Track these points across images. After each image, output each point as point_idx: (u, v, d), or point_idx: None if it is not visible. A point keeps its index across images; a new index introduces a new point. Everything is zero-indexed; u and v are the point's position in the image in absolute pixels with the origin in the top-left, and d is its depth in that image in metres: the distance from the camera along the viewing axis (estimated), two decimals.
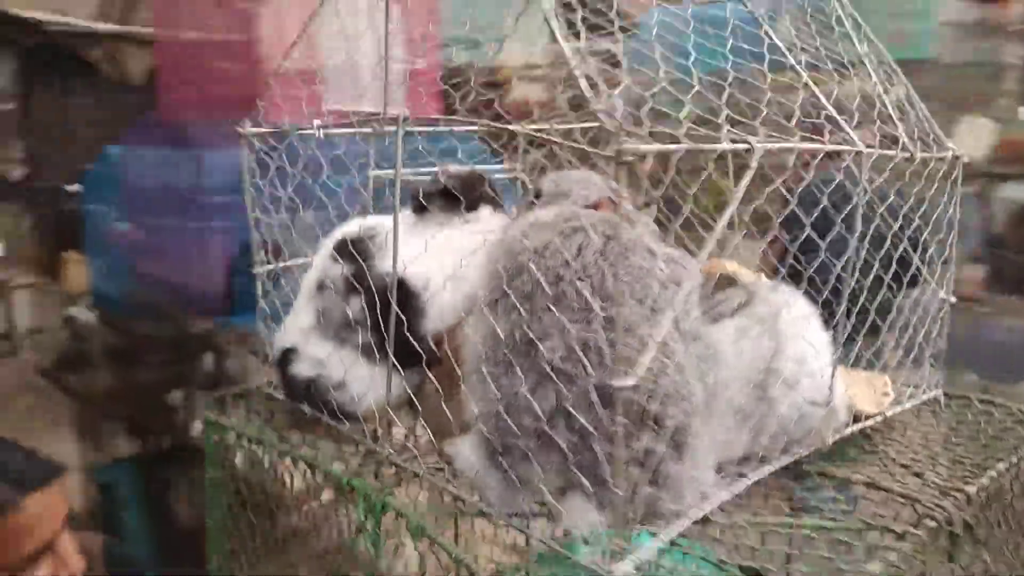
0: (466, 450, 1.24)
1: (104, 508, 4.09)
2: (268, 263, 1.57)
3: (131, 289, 4.49)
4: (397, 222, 1.29)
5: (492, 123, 1.46)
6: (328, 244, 1.46)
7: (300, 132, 1.44)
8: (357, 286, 1.38)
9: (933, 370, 1.65)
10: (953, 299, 1.62)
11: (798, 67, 1.37)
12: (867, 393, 1.51)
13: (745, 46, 1.38)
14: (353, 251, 1.41)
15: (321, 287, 1.44)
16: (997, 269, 5.13)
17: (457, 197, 1.47)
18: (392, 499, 1.21)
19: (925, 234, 1.55)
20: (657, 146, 0.99)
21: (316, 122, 1.42)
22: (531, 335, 1.14)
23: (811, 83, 1.32)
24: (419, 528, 1.14)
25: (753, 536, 1.16)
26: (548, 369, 1.12)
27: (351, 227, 1.46)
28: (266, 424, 1.49)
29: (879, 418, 1.49)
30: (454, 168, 1.53)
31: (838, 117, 1.26)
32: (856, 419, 1.46)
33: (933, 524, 1.19)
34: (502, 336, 1.18)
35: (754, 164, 1.08)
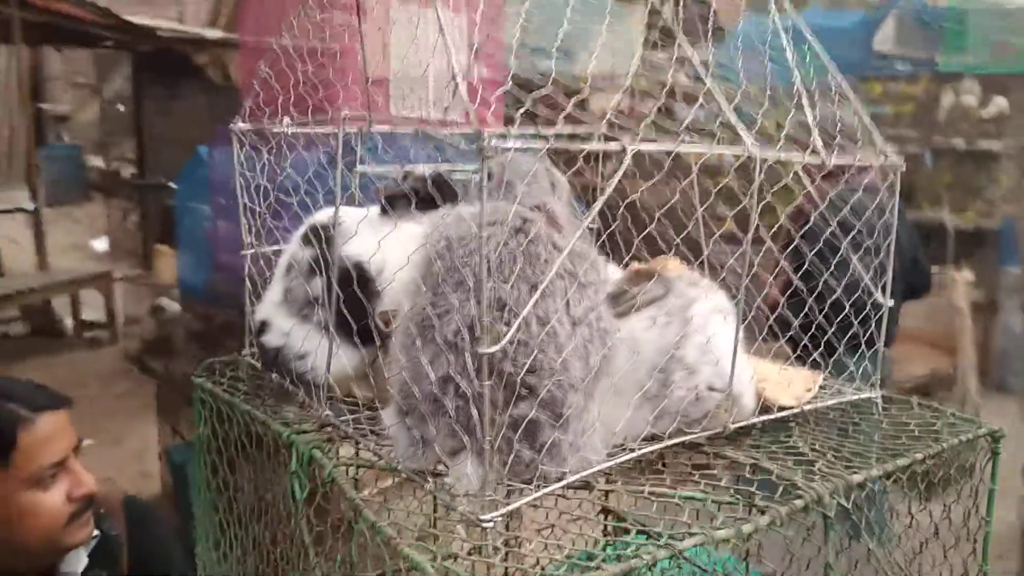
0: (388, 414, 1.42)
1: (176, 487, 4.41)
2: (253, 247, 1.78)
3: (213, 280, 4.84)
4: (337, 213, 1.48)
5: (428, 128, 1.61)
6: (298, 231, 1.66)
7: (274, 130, 1.65)
8: (316, 268, 1.57)
9: (870, 371, 1.72)
10: (890, 302, 1.68)
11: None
12: (786, 387, 1.60)
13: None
14: (317, 237, 1.60)
15: (289, 268, 1.63)
16: None
17: (415, 198, 1.64)
18: (317, 452, 1.39)
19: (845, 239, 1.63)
20: (519, 144, 1.13)
21: (285, 119, 1.62)
22: (437, 311, 1.30)
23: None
24: (330, 476, 1.31)
25: (627, 501, 1.29)
26: (443, 342, 1.28)
27: (320, 216, 1.65)
28: (240, 388, 1.69)
29: (795, 410, 1.58)
30: (419, 169, 1.70)
31: (735, 124, 1.37)
32: (767, 410, 1.55)
33: (799, 503, 1.29)
34: (416, 313, 1.34)
35: (625, 164, 1.21)
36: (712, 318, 1.48)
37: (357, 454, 1.52)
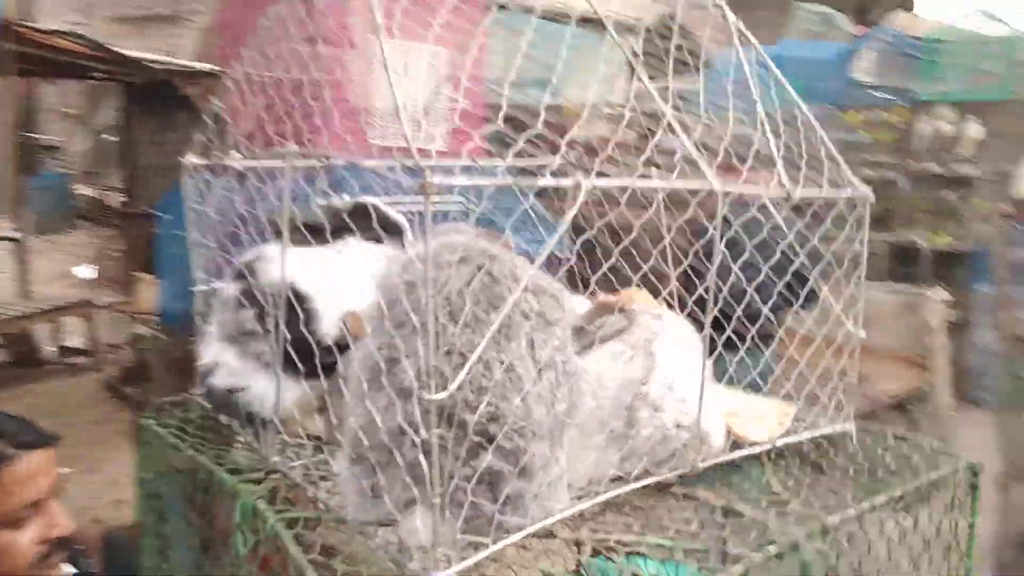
0: (340, 461, 1.34)
1: (152, 516, 4.33)
2: (205, 284, 1.72)
3: (191, 308, 4.76)
4: (286, 248, 1.41)
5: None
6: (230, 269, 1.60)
7: (224, 164, 1.58)
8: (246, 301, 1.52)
9: (844, 404, 1.65)
10: (863, 334, 1.62)
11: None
12: (757, 420, 1.54)
13: None
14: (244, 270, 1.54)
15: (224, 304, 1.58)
16: None
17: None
18: (260, 502, 1.31)
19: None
20: (465, 180, 1.08)
21: (235, 155, 1.56)
22: (391, 357, 1.23)
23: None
24: (272, 529, 1.24)
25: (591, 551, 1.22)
26: (396, 390, 1.20)
27: (248, 254, 1.60)
28: (188, 432, 1.62)
29: (765, 446, 1.51)
30: (339, 202, 1.65)
31: (697, 158, 1.31)
32: (738, 445, 1.49)
33: (774, 549, 1.22)
34: (372, 358, 1.27)
35: (580, 200, 1.16)
36: (676, 352, 1.41)
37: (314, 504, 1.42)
